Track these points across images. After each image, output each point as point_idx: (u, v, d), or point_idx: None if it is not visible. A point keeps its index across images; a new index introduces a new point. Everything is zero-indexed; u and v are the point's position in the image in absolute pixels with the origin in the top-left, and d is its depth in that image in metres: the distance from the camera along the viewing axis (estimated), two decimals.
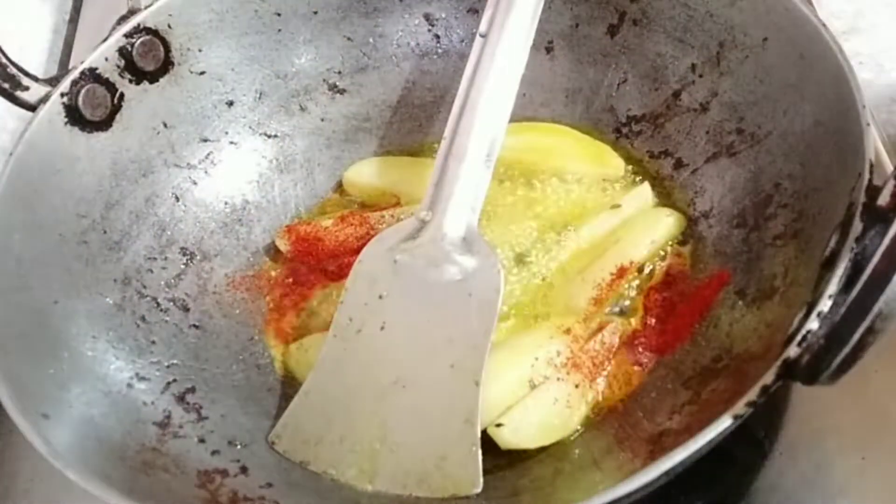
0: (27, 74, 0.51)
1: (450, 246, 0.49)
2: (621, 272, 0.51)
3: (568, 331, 0.50)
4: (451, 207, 0.50)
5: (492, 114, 0.51)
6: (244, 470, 0.46)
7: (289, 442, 0.47)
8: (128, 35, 0.54)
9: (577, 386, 0.48)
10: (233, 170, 0.59)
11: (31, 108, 0.51)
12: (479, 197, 0.50)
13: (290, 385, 0.52)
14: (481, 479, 0.43)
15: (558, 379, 0.48)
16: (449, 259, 0.49)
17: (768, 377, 0.35)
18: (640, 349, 0.49)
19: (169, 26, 0.56)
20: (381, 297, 0.49)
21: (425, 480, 0.44)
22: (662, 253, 0.53)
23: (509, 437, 0.46)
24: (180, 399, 0.49)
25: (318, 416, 0.47)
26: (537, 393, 0.47)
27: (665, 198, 0.55)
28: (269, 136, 0.61)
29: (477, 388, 0.45)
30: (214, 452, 0.46)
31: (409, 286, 0.49)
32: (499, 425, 0.46)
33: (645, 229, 0.53)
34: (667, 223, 0.53)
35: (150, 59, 0.55)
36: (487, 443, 0.45)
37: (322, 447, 0.46)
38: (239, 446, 0.47)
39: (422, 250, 0.49)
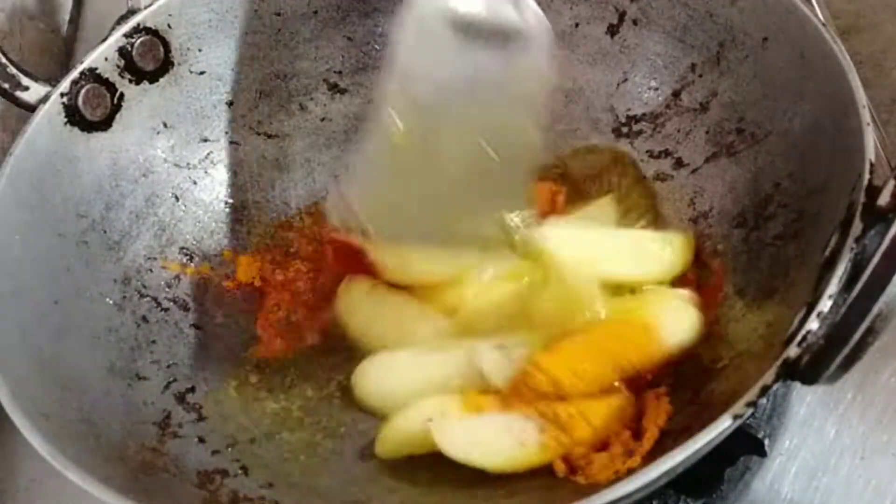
0: (27, 74, 0.51)
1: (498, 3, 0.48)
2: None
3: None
4: None
5: None
6: (244, 470, 0.46)
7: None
8: (128, 35, 0.54)
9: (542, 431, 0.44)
10: (233, 170, 0.59)
11: (31, 108, 0.51)
12: None
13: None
14: None
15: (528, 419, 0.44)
16: (497, 15, 0.48)
17: (768, 377, 0.35)
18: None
19: (169, 26, 0.56)
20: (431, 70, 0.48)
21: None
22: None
23: (436, 436, 0.44)
24: (180, 399, 0.49)
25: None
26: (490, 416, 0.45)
27: (665, 198, 0.55)
28: (269, 136, 0.61)
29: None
30: (214, 452, 0.47)
31: (456, 50, 0.48)
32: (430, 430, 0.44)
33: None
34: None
35: (150, 59, 0.55)
36: None
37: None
38: (239, 446, 0.47)
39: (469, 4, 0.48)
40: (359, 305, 0.54)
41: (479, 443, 0.44)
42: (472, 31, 0.48)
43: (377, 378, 0.50)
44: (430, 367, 0.49)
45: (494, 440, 0.44)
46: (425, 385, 0.48)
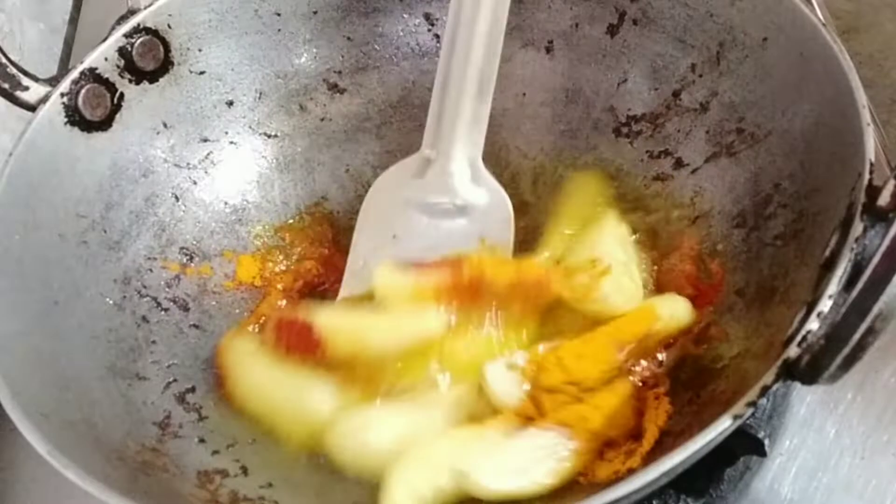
0: (27, 74, 0.51)
1: (458, 184, 0.50)
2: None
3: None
4: (455, 144, 0.51)
5: (483, 48, 0.51)
6: (244, 470, 0.46)
7: None
8: (128, 35, 0.54)
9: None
10: (233, 170, 0.59)
11: (31, 108, 0.51)
12: (480, 131, 0.51)
13: None
14: None
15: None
16: (457, 196, 0.50)
17: (768, 377, 0.35)
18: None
19: (169, 26, 0.56)
20: (393, 237, 0.49)
21: None
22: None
23: (476, 484, 0.41)
24: (180, 399, 0.49)
25: None
26: (517, 439, 0.43)
27: (665, 197, 0.55)
28: (269, 136, 0.61)
29: None
30: (214, 452, 0.47)
31: (421, 226, 0.50)
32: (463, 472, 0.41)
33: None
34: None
35: (149, 59, 0.55)
36: None
37: None
38: (239, 446, 0.47)
39: (431, 188, 0.50)
40: (247, 366, 0.50)
41: (518, 472, 0.41)
42: (436, 211, 0.50)
43: (364, 441, 0.45)
44: (412, 415, 0.46)
45: (531, 464, 0.42)
46: (414, 434, 0.45)
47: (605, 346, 0.46)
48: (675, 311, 0.48)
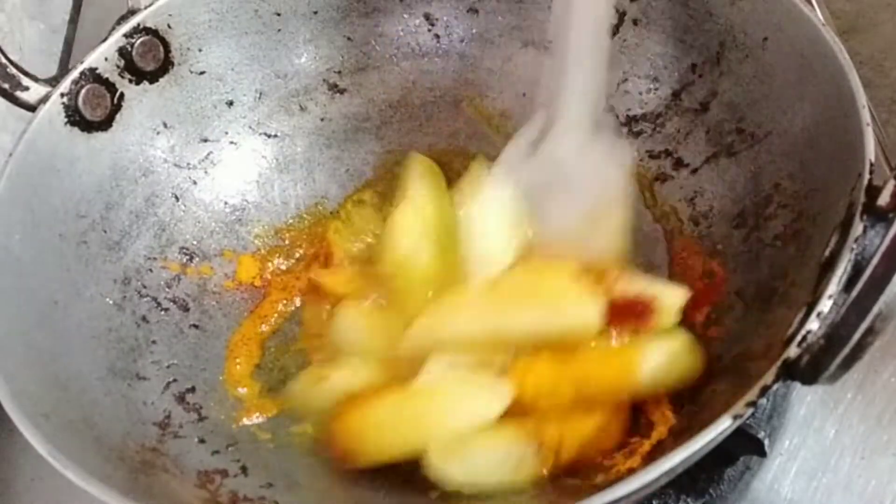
0: (27, 74, 0.51)
1: (578, 138, 0.51)
2: None
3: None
4: (572, 103, 0.51)
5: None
6: (244, 470, 0.46)
7: None
8: (128, 35, 0.54)
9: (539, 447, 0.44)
10: (233, 170, 0.59)
11: (31, 108, 0.51)
12: (596, 87, 0.51)
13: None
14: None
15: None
16: (581, 151, 0.51)
17: (768, 377, 0.35)
18: None
19: (169, 26, 0.56)
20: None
21: None
22: None
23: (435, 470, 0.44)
24: (180, 399, 0.49)
25: None
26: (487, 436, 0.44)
27: (665, 198, 0.55)
28: (269, 136, 0.61)
29: None
30: (214, 452, 0.47)
31: (549, 174, 0.51)
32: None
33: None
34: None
35: (149, 59, 0.55)
36: None
37: None
38: (239, 446, 0.47)
39: (554, 144, 0.51)
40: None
41: (477, 471, 0.43)
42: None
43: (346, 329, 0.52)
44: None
45: (494, 467, 0.43)
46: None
47: (564, 387, 0.45)
48: (660, 362, 0.44)
